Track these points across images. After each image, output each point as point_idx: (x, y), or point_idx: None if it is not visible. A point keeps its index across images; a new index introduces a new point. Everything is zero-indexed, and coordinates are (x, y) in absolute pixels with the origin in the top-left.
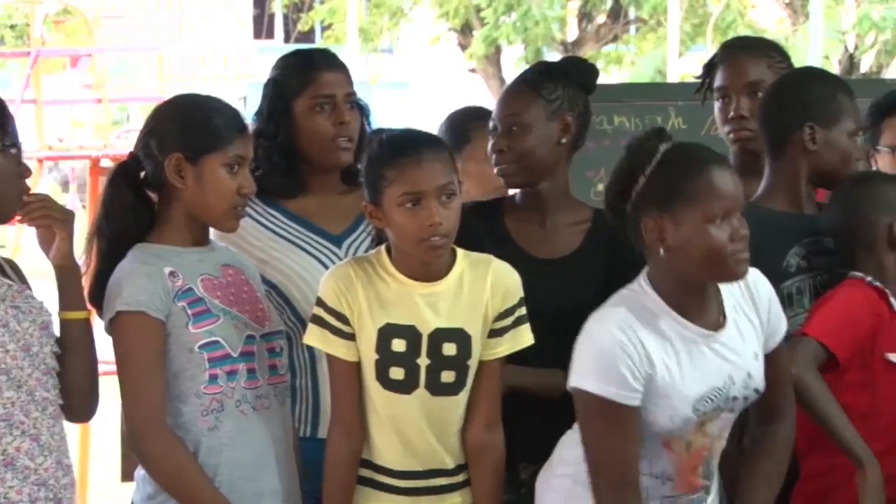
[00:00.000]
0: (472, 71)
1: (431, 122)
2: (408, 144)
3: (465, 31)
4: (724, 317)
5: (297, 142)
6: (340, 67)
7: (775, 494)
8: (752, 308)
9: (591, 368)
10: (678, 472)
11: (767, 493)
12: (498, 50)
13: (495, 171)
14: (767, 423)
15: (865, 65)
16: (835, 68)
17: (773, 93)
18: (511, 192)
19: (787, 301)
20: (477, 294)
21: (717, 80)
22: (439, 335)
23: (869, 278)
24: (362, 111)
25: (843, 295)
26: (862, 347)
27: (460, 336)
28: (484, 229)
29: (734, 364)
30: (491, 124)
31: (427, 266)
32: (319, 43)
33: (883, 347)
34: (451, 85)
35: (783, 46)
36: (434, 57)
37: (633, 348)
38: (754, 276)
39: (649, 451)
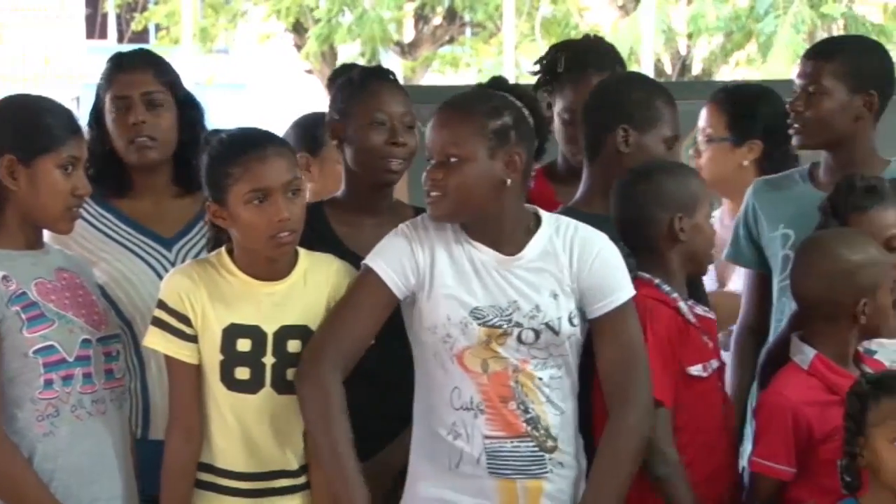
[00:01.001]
0: (309, 72)
1: (269, 123)
2: (251, 142)
3: (300, 31)
4: (522, 250)
5: (112, 144)
6: (142, 67)
7: (621, 482)
8: (568, 257)
9: (380, 250)
10: (486, 401)
11: (611, 479)
12: (333, 51)
13: None
14: (614, 405)
15: (697, 67)
16: (668, 69)
17: (594, 95)
18: (338, 192)
19: None
20: (320, 292)
21: (564, 100)
22: (284, 333)
23: (657, 280)
24: (186, 107)
25: (651, 336)
26: (675, 370)
27: (305, 333)
28: (310, 231)
29: (521, 292)
30: None
31: (271, 264)
32: (154, 44)
33: (683, 362)
34: (288, 86)
35: (618, 52)
36: (270, 58)
37: (420, 250)
38: (590, 234)
39: (452, 375)
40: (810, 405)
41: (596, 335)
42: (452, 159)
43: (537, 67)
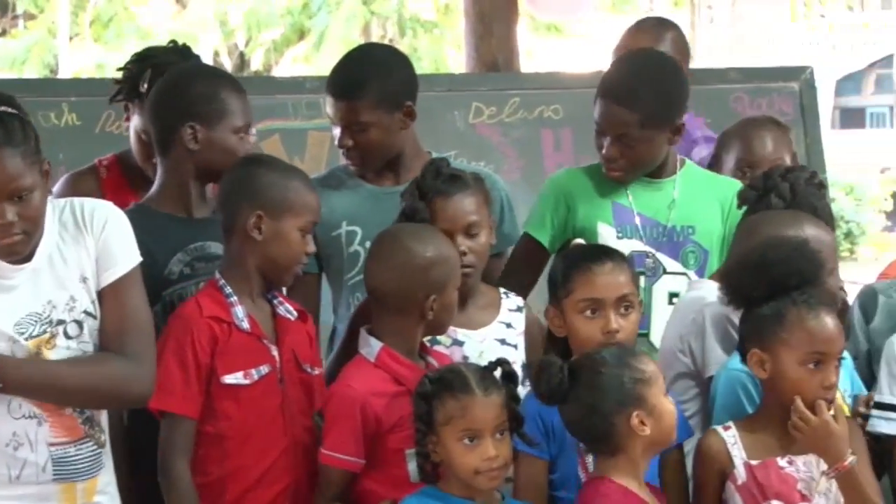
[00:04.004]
0: None
1: None
2: None
3: None
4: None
5: None
6: None
7: None
8: (81, 232)
9: None
10: (45, 410)
11: None
12: None
13: None
14: None
15: (256, 62)
16: (226, 64)
17: (158, 92)
18: None
19: (168, 307)
20: None
21: (146, 121)
22: None
23: (222, 281)
24: None
25: (174, 344)
26: (202, 379)
27: None
28: None
29: (50, 290)
30: None
31: None
32: None
33: (218, 371)
34: None
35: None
36: None
37: None
38: (99, 204)
39: None
40: (378, 396)
41: (101, 305)
42: (19, 196)
43: (120, 75)
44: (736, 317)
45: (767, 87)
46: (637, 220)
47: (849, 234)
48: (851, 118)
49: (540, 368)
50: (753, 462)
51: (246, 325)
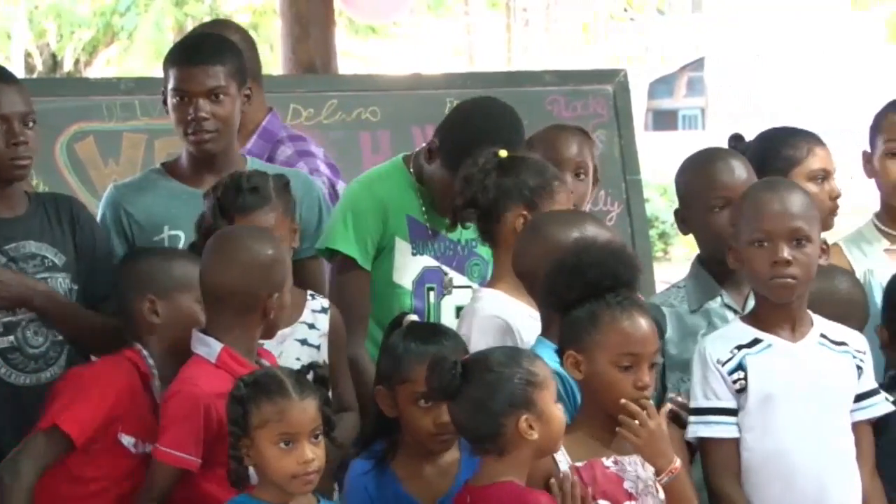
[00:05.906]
0: None
1: None
2: None
3: None
4: None
5: None
6: None
7: None
8: None
9: None
10: None
11: None
12: None
13: None
14: None
15: (69, 63)
16: (38, 65)
17: None
18: None
19: None
20: None
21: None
22: None
23: (146, 352)
24: None
25: (102, 381)
26: (102, 423)
27: None
28: None
29: None
30: None
31: None
32: None
33: (122, 426)
34: None
35: None
36: None
37: None
38: None
39: None
40: (222, 398)
41: None
42: None
43: None
44: (521, 324)
45: (582, 89)
46: (429, 236)
47: (663, 235)
48: (664, 120)
49: (432, 365)
50: (578, 463)
51: (158, 400)
